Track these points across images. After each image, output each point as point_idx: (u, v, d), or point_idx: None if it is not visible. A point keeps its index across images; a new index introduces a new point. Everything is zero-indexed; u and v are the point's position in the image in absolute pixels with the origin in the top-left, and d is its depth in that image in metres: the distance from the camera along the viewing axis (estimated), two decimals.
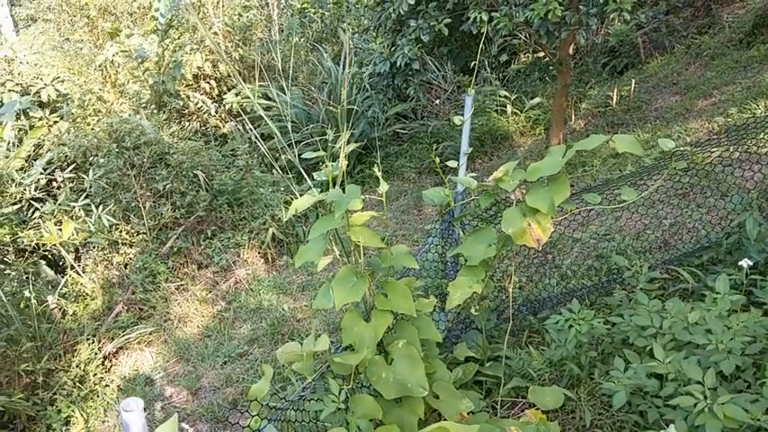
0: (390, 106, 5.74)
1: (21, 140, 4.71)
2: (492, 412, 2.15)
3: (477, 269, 2.13)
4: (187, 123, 6.08)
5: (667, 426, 1.70)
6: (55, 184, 4.58)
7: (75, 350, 3.54)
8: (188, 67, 5.71)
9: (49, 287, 4.02)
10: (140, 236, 4.45)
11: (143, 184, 4.55)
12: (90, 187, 4.40)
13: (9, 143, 4.65)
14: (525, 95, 6.01)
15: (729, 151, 2.42)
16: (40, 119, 4.98)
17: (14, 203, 4.19)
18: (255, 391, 1.66)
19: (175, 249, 4.49)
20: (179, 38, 5.90)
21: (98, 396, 3.35)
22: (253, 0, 6.65)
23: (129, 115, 5.41)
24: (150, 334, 3.82)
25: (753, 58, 4.93)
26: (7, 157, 4.44)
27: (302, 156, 1.92)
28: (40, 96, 5.17)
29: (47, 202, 4.29)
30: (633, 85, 5.29)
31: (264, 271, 4.44)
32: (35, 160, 4.63)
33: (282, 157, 3.16)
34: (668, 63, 5.64)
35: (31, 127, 4.89)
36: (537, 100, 5.79)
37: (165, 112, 5.87)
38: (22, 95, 5.18)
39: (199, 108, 6.09)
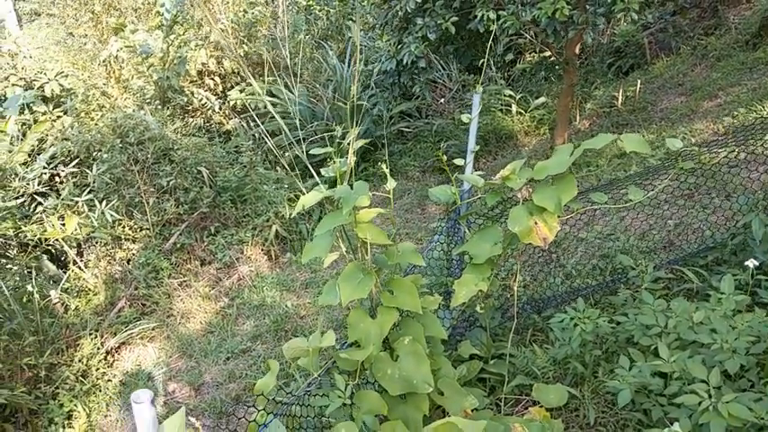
0: (395, 104, 5.74)
1: (24, 135, 4.72)
2: (496, 409, 2.15)
3: (482, 267, 2.13)
4: (191, 120, 6.09)
5: (671, 424, 1.71)
6: (58, 179, 4.58)
7: (78, 345, 3.54)
8: (192, 63, 5.72)
9: (51, 282, 4.03)
10: (143, 231, 4.46)
11: (146, 179, 4.55)
12: (93, 182, 4.40)
13: (12, 137, 4.66)
14: (530, 95, 6.01)
15: (735, 152, 2.42)
16: (44, 113, 4.98)
17: (17, 197, 4.20)
18: (261, 385, 1.67)
19: (178, 245, 4.50)
20: (184, 33, 5.89)
21: (100, 391, 3.35)
22: None
23: (133, 111, 5.41)
24: (153, 329, 3.83)
25: (759, 60, 4.92)
26: (11, 152, 4.45)
27: (310, 152, 1.92)
28: (43, 91, 5.17)
29: (50, 197, 4.29)
30: (638, 85, 5.28)
31: (268, 268, 4.44)
32: (38, 155, 4.63)
33: (287, 154, 3.18)
34: (674, 64, 5.63)
35: (35, 121, 4.89)
36: (542, 100, 5.78)
37: (168, 107, 5.88)
38: (26, 90, 5.18)
39: (203, 104, 6.09)
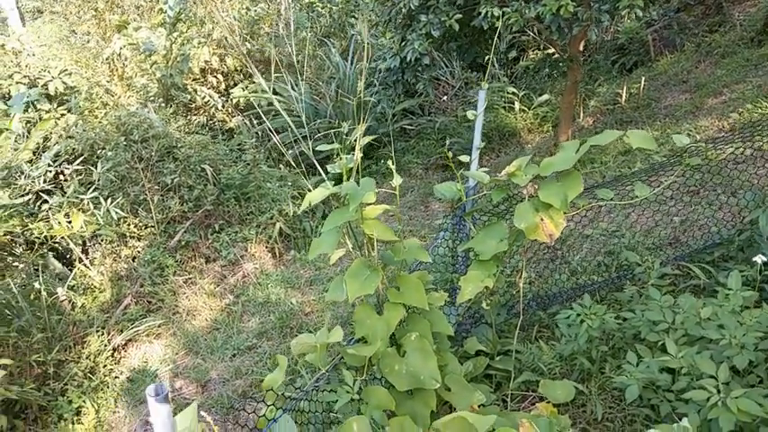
0: (398, 102, 5.74)
1: (29, 132, 4.73)
2: (502, 405, 2.16)
3: (488, 264, 2.14)
4: (194, 117, 6.10)
5: (680, 419, 1.71)
6: (62, 177, 4.60)
7: (85, 342, 3.56)
8: (195, 60, 5.72)
9: (57, 280, 4.05)
10: (148, 229, 4.47)
11: (151, 177, 4.57)
12: (98, 180, 4.42)
13: (17, 135, 4.67)
14: (533, 92, 6.00)
15: (743, 148, 2.41)
16: (48, 111, 5.00)
17: (23, 195, 4.21)
18: (270, 381, 1.68)
19: (183, 243, 4.51)
20: (187, 31, 5.90)
21: (108, 387, 3.37)
22: None
23: (137, 108, 5.42)
24: (159, 326, 3.85)
25: (764, 57, 4.90)
26: (16, 150, 4.47)
27: (317, 149, 1.93)
28: (47, 89, 5.18)
29: (54, 195, 4.31)
30: (642, 82, 5.27)
31: (272, 265, 4.46)
32: (43, 153, 4.65)
33: (290, 151, 3.19)
34: (678, 61, 5.61)
35: (39, 119, 4.90)
36: (545, 97, 5.77)
37: (172, 105, 5.89)
38: (30, 88, 5.20)
39: (206, 102, 6.09)
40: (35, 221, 4.10)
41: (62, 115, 5.08)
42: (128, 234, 4.37)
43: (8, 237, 3.84)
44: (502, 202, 2.39)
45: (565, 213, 1.97)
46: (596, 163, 4.22)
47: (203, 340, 3.65)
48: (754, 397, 1.57)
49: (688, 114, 4.62)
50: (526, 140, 5.64)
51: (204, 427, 1.38)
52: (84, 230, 4.10)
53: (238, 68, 6.11)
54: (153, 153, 4.59)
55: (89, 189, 4.33)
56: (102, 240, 4.32)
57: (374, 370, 1.92)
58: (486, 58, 2.37)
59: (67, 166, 4.52)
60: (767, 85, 4.40)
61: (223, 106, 6.19)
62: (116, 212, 4.20)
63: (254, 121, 6.11)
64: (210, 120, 6.21)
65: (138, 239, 4.43)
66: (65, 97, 5.30)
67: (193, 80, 6.08)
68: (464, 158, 2.27)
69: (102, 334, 3.63)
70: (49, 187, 4.41)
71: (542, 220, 1.99)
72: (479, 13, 3.63)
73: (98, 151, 4.64)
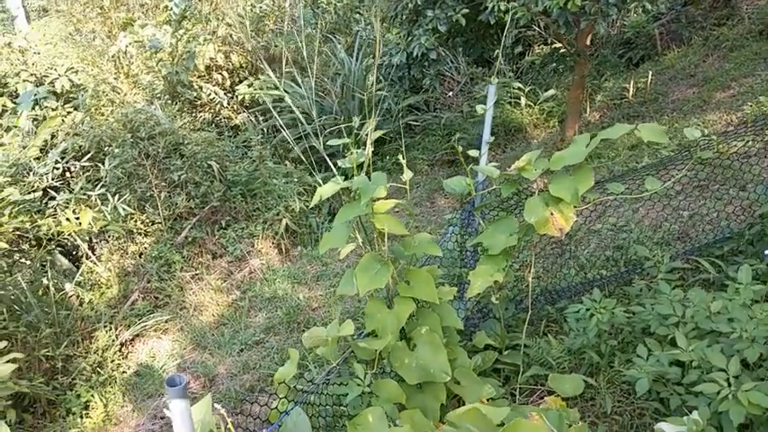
0: (404, 98, 5.73)
1: (36, 129, 4.76)
2: (511, 399, 2.16)
3: (497, 258, 2.14)
4: (199, 114, 6.11)
5: (690, 412, 1.71)
6: (68, 174, 4.62)
7: (93, 337, 3.59)
8: (201, 57, 5.73)
9: (64, 276, 4.07)
10: (155, 225, 4.49)
11: (158, 174, 4.58)
12: (106, 177, 4.44)
13: (25, 132, 4.70)
14: (539, 87, 5.98)
15: (754, 142, 2.40)
16: (54, 109, 5.02)
17: (31, 192, 4.24)
18: (282, 373, 1.69)
19: (190, 239, 4.53)
20: (192, 28, 5.91)
21: (116, 382, 3.40)
22: None
23: (143, 106, 5.44)
24: (166, 322, 3.87)
25: None
26: (24, 147, 4.49)
27: (328, 143, 1.93)
28: (54, 87, 5.20)
29: (62, 192, 4.33)
30: (650, 76, 5.24)
31: (278, 261, 4.47)
32: (49, 150, 4.67)
33: (295, 148, 3.19)
34: (685, 55, 5.58)
35: (45, 117, 4.93)
36: (551, 92, 5.75)
37: (177, 102, 5.90)
38: (38, 86, 5.22)
39: (211, 99, 6.11)
40: (43, 218, 4.12)
41: (69, 113, 5.10)
42: (135, 230, 4.39)
43: (17, 233, 3.86)
44: (511, 197, 2.39)
45: (575, 208, 1.97)
46: (603, 158, 4.20)
47: (210, 335, 3.66)
48: (764, 390, 1.57)
49: (696, 108, 4.59)
50: (532, 136, 5.62)
51: (218, 419, 1.39)
52: (93, 227, 4.13)
53: (243, 65, 6.12)
54: (160, 150, 4.61)
55: (96, 186, 4.35)
56: (109, 237, 4.34)
57: (384, 364, 1.93)
58: (497, 52, 2.37)
59: (75, 163, 4.54)
60: None
61: (228, 103, 6.20)
62: (123, 209, 4.22)
63: (260, 118, 6.12)
64: (216, 117, 6.23)
65: (145, 236, 4.45)
66: (71, 95, 5.32)
67: (199, 77, 6.09)
68: (473, 153, 2.26)
69: (110, 329, 3.65)
70: (57, 184, 4.44)
71: (552, 214, 1.98)
72: (486, 8, 3.62)
73: (105, 148, 4.66)
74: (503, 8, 3.46)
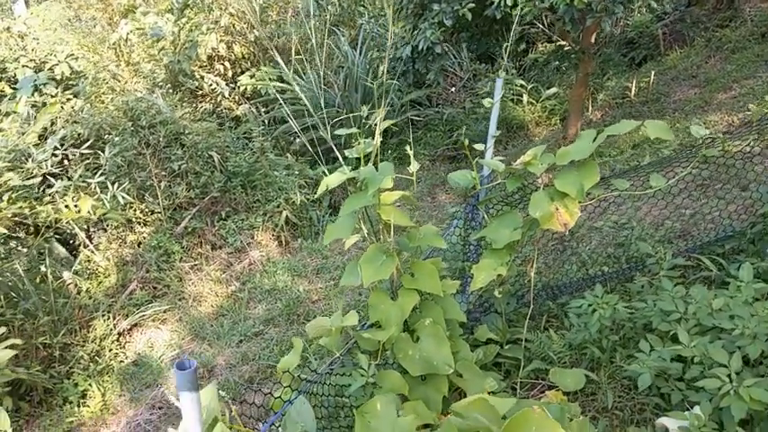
0: (407, 92, 5.72)
1: (35, 115, 4.71)
2: (512, 393, 2.17)
3: (501, 252, 2.14)
4: (200, 104, 6.07)
5: (691, 408, 1.73)
6: (67, 162, 4.58)
7: (91, 326, 3.57)
8: (203, 47, 5.69)
9: (60, 265, 4.04)
10: (155, 215, 4.47)
11: (158, 163, 4.56)
12: (105, 164, 4.41)
13: (24, 117, 4.65)
14: (541, 85, 5.97)
15: (757, 141, 2.41)
16: (54, 95, 4.97)
17: (30, 178, 4.20)
18: (286, 363, 1.68)
19: (189, 229, 4.51)
20: (194, 17, 5.86)
21: (113, 371, 3.39)
22: None
23: (144, 94, 5.40)
24: (165, 312, 3.85)
25: None
26: (23, 133, 4.45)
27: (336, 132, 1.92)
28: (53, 72, 5.16)
29: (60, 179, 4.30)
30: (652, 76, 5.25)
31: (278, 253, 4.46)
32: (48, 137, 4.63)
33: (297, 140, 3.18)
34: (688, 56, 5.59)
35: (44, 104, 4.89)
36: (553, 90, 5.69)
37: (179, 92, 5.86)
38: (37, 71, 5.17)
39: (212, 90, 6.07)
40: (42, 205, 4.09)
41: (68, 99, 5.06)
42: (134, 219, 4.37)
43: (15, 219, 3.84)
44: (515, 192, 2.39)
45: (580, 203, 1.97)
46: (605, 156, 4.21)
47: (209, 326, 3.66)
48: (766, 386, 1.58)
49: (697, 109, 4.61)
50: (534, 133, 5.62)
51: (222, 406, 1.39)
52: (92, 215, 4.10)
53: (246, 56, 6.08)
54: (160, 139, 4.58)
55: (95, 174, 4.32)
56: (107, 225, 4.31)
57: (387, 355, 1.93)
58: (505, 45, 2.36)
59: (74, 151, 4.50)
60: None
61: (230, 94, 6.16)
62: (123, 197, 4.20)
63: (261, 110, 6.08)
64: (217, 107, 6.19)
65: (144, 225, 4.43)
66: (71, 82, 5.27)
67: (200, 67, 6.05)
68: (479, 146, 2.26)
69: (108, 318, 3.63)
70: (56, 171, 4.40)
71: (557, 209, 1.98)
72: (492, 3, 3.61)
73: (105, 136, 4.63)
74: (509, 3, 3.45)
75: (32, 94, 4.90)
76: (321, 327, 1.81)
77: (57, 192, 4.16)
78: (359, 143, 1.82)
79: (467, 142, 2.09)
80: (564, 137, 4.71)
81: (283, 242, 4.58)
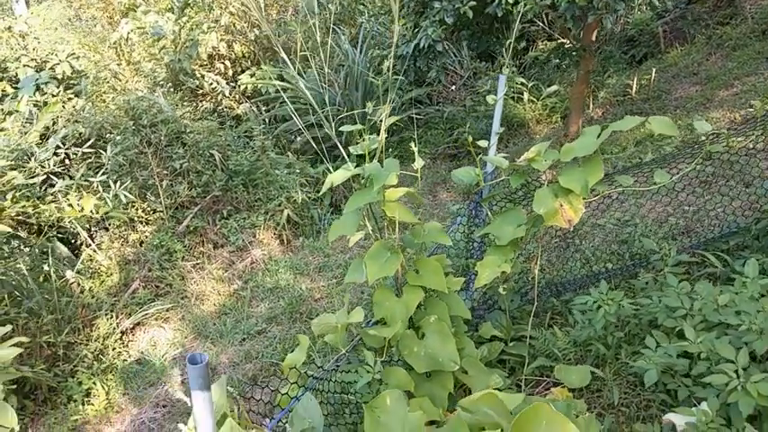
0: (408, 90, 5.71)
1: (37, 114, 4.71)
2: (517, 390, 2.17)
3: (505, 249, 2.14)
4: (201, 103, 6.07)
5: (698, 404, 1.73)
6: (68, 161, 4.58)
7: (94, 324, 3.57)
8: (203, 46, 5.68)
9: (63, 264, 4.04)
10: (157, 214, 4.47)
11: (159, 162, 4.56)
12: (107, 163, 4.40)
13: (25, 117, 4.65)
14: (542, 83, 5.97)
15: (762, 138, 2.41)
16: (56, 95, 4.97)
17: (32, 177, 4.20)
18: (292, 360, 1.68)
19: (191, 228, 4.51)
20: (195, 16, 5.85)
21: (117, 370, 3.39)
22: None
23: (145, 93, 5.40)
24: (167, 311, 3.85)
25: None
26: (26, 132, 4.45)
27: (340, 129, 1.92)
28: (54, 72, 5.15)
29: (62, 178, 4.29)
30: (653, 74, 5.24)
31: (280, 252, 4.46)
32: (50, 136, 4.62)
33: (298, 138, 3.19)
34: (689, 53, 5.58)
35: (45, 103, 4.88)
36: (554, 88, 5.74)
37: (179, 91, 5.86)
38: (38, 71, 5.17)
39: (213, 88, 6.07)
40: (44, 204, 4.09)
41: (69, 99, 5.05)
42: (136, 218, 4.37)
43: (19, 218, 3.83)
44: (519, 189, 2.39)
45: (584, 200, 1.97)
46: (608, 153, 4.21)
47: (212, 325, 3.66)
48: None
49: (699, 106, 4.61)
50: (535, 131, 5.62)
51: (230, 402, 1.39)
52: (95, 213, 4.10)
53: (246, 55, 6.07)
54: (162, 138, 4.58)
55: (97, 173, 4.32)
56: (109, 225, 4.31)
57: (393, 352, 1.93)
58: (507, 42, 2.35)
59: (75, 150, 4.50)
60: None
61: (230, 93, 6.16)
62: (125, 196, 4.19)
63: (262, 109, 6.08)
64: (218, 106, 6.19)
65: (147, 224, 4.43)
66: (72, 81, 5.27)
67: (201, 66, 6.04)
68: (483, 143, 2.26)
69: (111, 317, 3.63)
70: (58, 170, 4.39)
71: (562, 205, 1.98)
72: (493, 0, 3.61)
73: (106, 135, 4.63)
74: (510, 0, 3.44)
75: (34, 94, 4.89)
76: (326, 324, 1.81)
77: (59, 191, 4.16)
78: (363, 140, 1.82)
79: (470, 139, 2.09)
80: (565, 134, 4.71)
81: (285, 241, 4.58)
